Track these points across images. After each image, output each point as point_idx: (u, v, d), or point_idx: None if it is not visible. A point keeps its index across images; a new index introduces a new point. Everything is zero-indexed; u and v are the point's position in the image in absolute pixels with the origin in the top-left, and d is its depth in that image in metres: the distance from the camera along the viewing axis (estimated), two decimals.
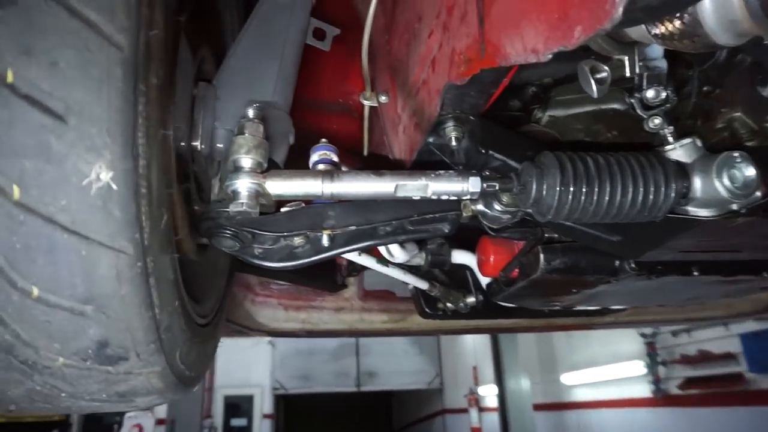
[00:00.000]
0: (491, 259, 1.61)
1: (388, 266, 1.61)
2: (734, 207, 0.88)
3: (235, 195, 0.93)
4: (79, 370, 0.77)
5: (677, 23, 0.68)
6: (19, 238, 0.66)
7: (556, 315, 2.34)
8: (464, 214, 1.14)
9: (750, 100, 1.06)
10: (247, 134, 0.95)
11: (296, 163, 1.15)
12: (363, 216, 1.13)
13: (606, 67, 0.88)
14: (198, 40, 1.21)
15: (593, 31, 0.58)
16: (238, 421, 12.24)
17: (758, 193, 0.84)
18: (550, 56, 0.69)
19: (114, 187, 0.67)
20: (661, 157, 0.94)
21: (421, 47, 1.22)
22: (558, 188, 0.90)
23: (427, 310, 2.12)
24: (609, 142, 1.23)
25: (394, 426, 17.86)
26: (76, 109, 0.64)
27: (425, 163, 1.27)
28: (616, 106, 1.20)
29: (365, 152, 1.68)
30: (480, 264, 1.69)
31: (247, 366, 12.39)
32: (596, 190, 0.90)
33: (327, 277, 2.37)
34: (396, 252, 1.52)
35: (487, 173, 1.04)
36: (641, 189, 0.91)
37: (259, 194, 0.94)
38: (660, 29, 0.71)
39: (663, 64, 0.91)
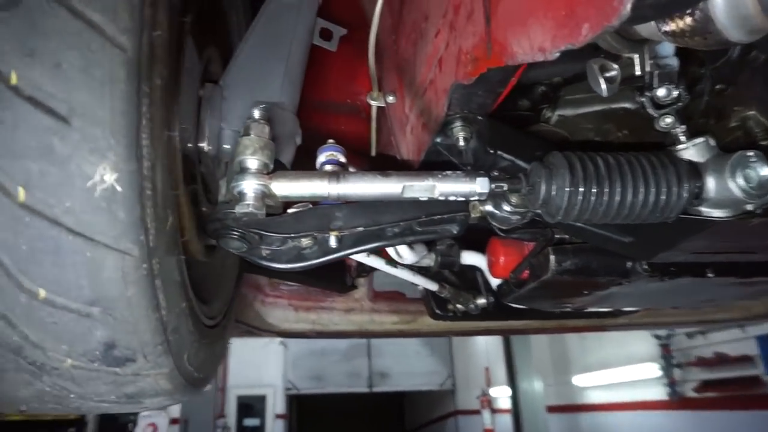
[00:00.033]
0: (501, 260, 1.59)
1: (396, 267, 1.61)
2: (749, 207, 0.86)
3: (241, 196, 0.93)
4: (87, 371, 0.77)
5: (688, 20, 0.66)
6: (25, 240, 0.66)
7: (568, 316, 2.32)
8: (473, 215, 1.13)
9: (764, 98, 1.03)
10: (252, 135, 0.94)
11: (304, 164, 1.15)
12: (370, 217, 1.12)
13: (615, 66, 0.86)
14: (204, 41, 1.21)
15: (601, 29, 0.57)
16: (251, 421, 12.29)
17: None
18: (558, 55, 0.68)
19: (118, 188, 0.67)
20: (673, 156, 0.93)
21: (428, 47, 1.21)
22: (567, 189, 0.89)
23: (437, 311, 2.11)
24: (619, 142, 1.22)
25: (406, 427, 17.82)
26: (79, 111, 0.65)
27: (433, 164, 1.26)
28: (626, 105, 1.18)
29: (373, 153, 1.67)
30: (490, 265, 1.67)
31: (259, 366, 12.44)
32: (606, 190, 0.89)
33: (336, 278, 2.37)
34: (405, 253, 1.51)
35: (496, 174, 1.03)
36: (653, 189, 0.89)
37: (265, 195, 0.94)
38: (670, 26, 0.70)
39: (674, 62, 0.90)
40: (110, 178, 0.66)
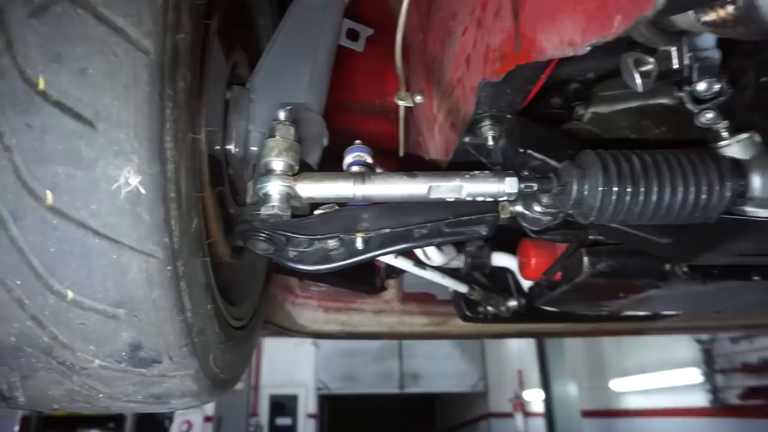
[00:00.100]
0: (532, 261, 1.56)
1: (425, 269, 1.59)
2: None
3: (266, 198, 0.92)
4: (114, 371, 0.78)
5: (729, 9, 0.63)
6: (54, 242, 0.67)
7: (604, 319, 2.26)
8: (502, 216, 1.10)
9: None
10: (278, 137, 0.94)
11: (332, 165, 1.14)
12: (397, 218, 1.11)
13: (651, 60, 0.83)
14: (231, 44, 1.22)
15: (634, 20, 0.54)
16: (283, 420, 12.42)
17: None
18: (588, 49, 0.65)
19: (142, 191, 0.67)
20: (715, 154, 0.88)
21: (456, 45, 1.19)
22: (600, 189, 0.86)
23: (467, 313, 2.08)
24: (657, 140, 1.17)
25: (437, 429, 17.72)
26: (104, 115, 0.65)
27: (462, 164, 1.23)
28: (664, 100, 1.14)
29: (401, 153, 1.66)
30: (521, 267, 1.64)
31: (291, 366, 12.57)
32: (642, 190, 0.85)
33: (366, 279, 2.36)
34: (433, 255, 1.49)
35: (526, 173, 1.00)
36: (692, 189, 0.85)
37: (290, 197, 0.94)
38: (710, 16, 0.66)
39: (715, 54, 0.85)
40: (134, 180, 0.66)
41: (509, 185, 0.95)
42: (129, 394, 0.82)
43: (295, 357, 12.55)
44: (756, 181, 0.83)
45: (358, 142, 1.14)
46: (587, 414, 9.26)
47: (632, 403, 8.16)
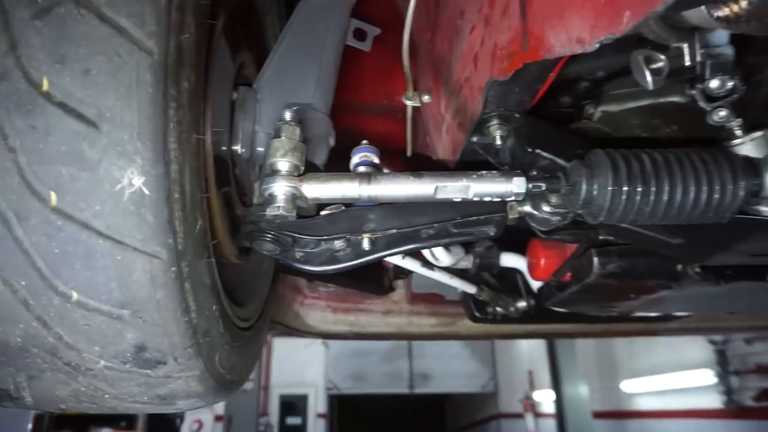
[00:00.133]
0: (542, 262, 1.54)
1: (433, 270, 1.58)
2: None
3: (271, 198, 0.92)
4: (119, 372, 0.78)
5: (743, 4, 0.61)
6: (58, 243, 0.67)
7: (615, 320, 2.23)
8: (510, 216, 1.09)
9: None
10: (283, 137, 0.94)
11: (339, 165, 1.14)
12: (404, 219, 1.10)
13: (662, 57, 0.81)
14: (238, 44, 1.21)
15: (643, 15, 0.53)
16: (293, 420, 12.45)
17: None
18: (597, 46, 0.64)
19: (146, 192, 0.67)
20: (728, 152, 0.87)
21: (463, 43, 1.18)
22: (610, 188, 0.84)
23: (476, 314, 2.07)
24: (668, 138, 1.15)
25: (447, 429, 17.68)
26: (107, 116, 0.65)
27: (470, 164, 1.22)
28: (675, 98, 1.12)
29: (408, 153, 1.65)
30: (530, 267, 1.63)
31: (301, 366, 12.60)
32: (653, 189, 0.84)
33: (374, 280, 2.36)
34: (441, 255, 1.48)
35: (534, 173, 0.98)
36: (705, 188, 0.83)
37: (295, 197, 0.93)
38: (723, 11, 0.64)
39: (728, 51, 0.83)
40: (138, 181, 0.66)
41: (517, 185, 0.94)
42: (134, 394, 0.82)
43: (305, 357, 12.58)
44: None
45: (365, 142, 1.14)
46: (598, 415, 9.19)
47: (644, 404, 8.08)
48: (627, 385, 8.45)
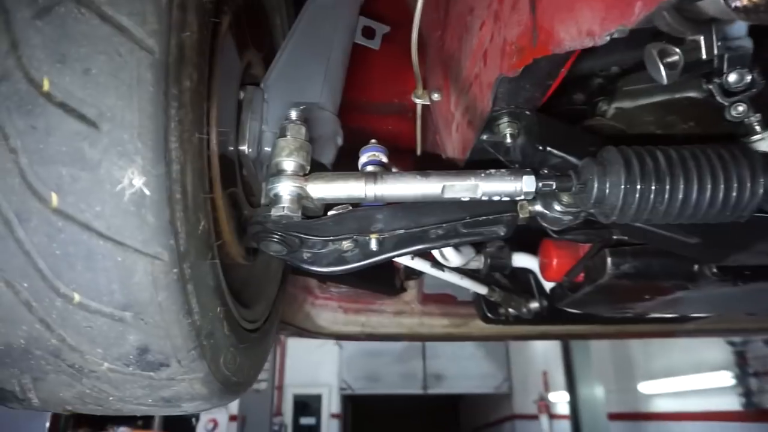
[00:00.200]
0: (554, 262, 1.52)
1: (443, 270, 1.56)
2: None
3: (276, 198, 0.91)
4: (123, 375, 0.77)
5: None
6: (59, 244, 0.67)
7: (631, 321, 2.20)
8: (521, 216, 1.07)
9: None
10: (289, 136, 0.93)
11: (349, 165, 1.13)
12: (412, 219, 1.08)
13: (677, 50, 0.78)
14: (245, 43, 1.21)
15: (655, 6, 0.51)
16: (307, 420, 12.48)
17: None
18: (608, 38, 0.62)
19: (147, 192, 0.66)
20: (747, 148, 0.84)
21: (473, 40, 1.16)
22: (623, 186, 0.82)
23: (488, 314, 2.05)
24: (685, 135, 1.12)
25: (461, 430, 17.61)
26: (108, 115, 0.64)
27: (480, 163, 1.20)
28: (692, 94, 1.09)
29: (418, 152, 1.63)
30: (542, 268, 1.60)
31: (315, 366, 12.63)
32: (668, 187, 0.81)
33: (385, 280, 2.34)
34: (450, 256, 1.46)
35: (544, 171, 0.96)
36: (722, 186, 0.81)
37: (301, 197, 0.92)
38: (742, 2, 0.62)
39: (747, 44, 0.80)
40: (138, 182, 0.65)
41: (526, 184, 0.92)
42: (138, 397, 0.81)
43: (319, 357, 12.61)
44: None
45: (373, 141, 1.12)
46: (614, 417, 9.08)
47: (661, 406, 7.97)
48: (644, 387, 8.34)
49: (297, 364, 12.29)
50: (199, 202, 0.76)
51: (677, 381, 7.42)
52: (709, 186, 0.81)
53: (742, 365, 6.32)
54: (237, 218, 1.12)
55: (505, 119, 1.06)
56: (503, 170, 0.95)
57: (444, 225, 1.09)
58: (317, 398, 12.71)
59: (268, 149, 1.13)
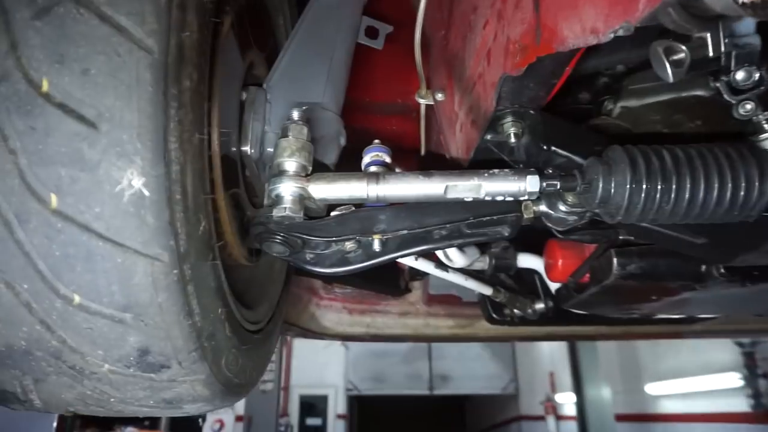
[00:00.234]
0: (559, 263, 1.50)
1: (447, 271, 1.55)
2: None
3: (278, 199, 0.90)
4: (124, 376, 0.77)
5: None
6: (59, 245, 0.66)
7: (638, 322, 2.18)
8: (525, 216, 1.06)
9: None
10: (290, 137, 0.92)
11: (353, 165, 1.12)
12: (415, 219, 1.07)
13: (683, 48, 0.77)
14: (247, 44, 1.20)
15: (659, 2, 0.50)
16: (313, 421, 12.49)
17: None
18: (612, 36, 0.61)
19: (146, 193, 0.66)
20: (755, 147, 0.82)
21: (477, 39, 1.15)
22: (628, 186, 0.81)
23: (494, 315, 2.03)
24: (692, 134, 1.11)
25: (468, 431, 17.57)
26: (107, 116, 0.64)
27: (484, 163, 1.19)
28: (699, 92, 1.07)
29: (422, 152, 1.63)
30: (547, 268, 1.59)
31: (321, 366, 12.64)
32: (674, 187, 0.80)
33: (390, 281, 2.34)
34: (455, 256, 1.45)
35: (549, 171, 0.95)
36: (729, 185, 0.80)
37: (303, 198, 0.92)
38: None
39: (755, 41, 0.79)
40: (138, 182, 0.65)
41: (530, 184, 0.91)
42: (140, 398, 0.81)
43: (325, 358, 12.62)
44: None
45: (376, 141, 1.12)
46: (621, 418, 9.03)
47: (669, 407, 7.92)
48: (651, 388, 8.29)
49: (303, 364, 12.31)
50: (200, 202, 0.75)
51: (685, 382, 7.37)
52: (716, 185, 0.79)
53: (750, 366, 6.27)
54: (239, 219, 1.12)
55: (509, 119, 1.05)
56: (507, 170, 0.94)
57: (447, 225, 1.08)
58: (323, 399, 12.72)
59: (270, 150, 1.13)
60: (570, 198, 0.98)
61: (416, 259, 1.43)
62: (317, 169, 0.98)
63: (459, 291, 2.52)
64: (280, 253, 1.06)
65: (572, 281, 1.46)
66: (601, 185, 0.84)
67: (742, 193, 0.78)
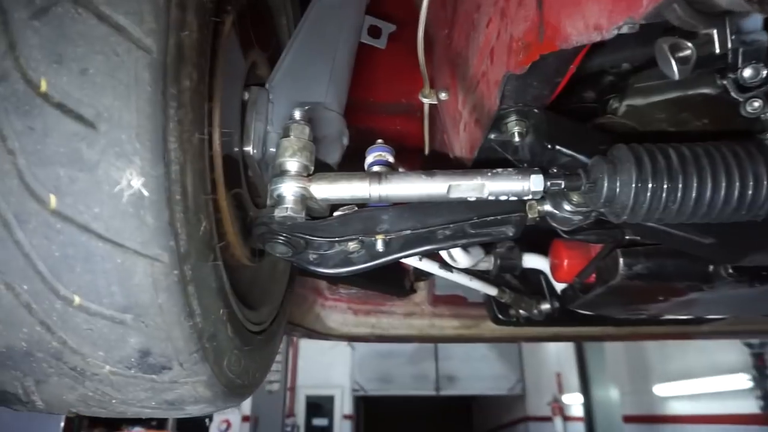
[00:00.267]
0: (565, 263, 1.49)
1: (452, 271, 1.54)
2: None
3: (279, 199, 0.90)
4: (125, 378, 0.76)
5: None
6: (58, 246, 0.66)
7: (645, 323, 2.16)
8: (530, 216, 1.05)
9: None
10: (292, 136, 0.92)
11: (356, 165, 1.12)
12: (419, 219, 1.07)
13: (689, 44, 0.76)
14: (250, 44, 1.20)
15: None
16: (319, 421, 12.50)
17: None
18: (616, 32, 0.60)
19: (145, 193, 0.65)
20: (763, 145, 0.81)
21: (480, 37, 1.14)
22: (633, 185, 0.80)
23: (499, 316, 2.02)
24: (699, 132, 1.09)
25: (474, 431, 17.52)
26: (105, 116, 0.64)
27: (488, 162, 1.19)
28: (705, 90, 1.06)
29: (426, 152, 1.62)
30: (553, 269, 1.58)
31: (327, 367, 12.65)
32: (680, 186, 0.79)
33: (395, 281, 2.33)
34: (459, 257, 1.44)
35: (553, 170, 0.94)
36: (737, 184, 0.78)
37: (305, 198, 0.91)
38: None
39: (763, 37, 0.78)
40: (137, 182, 0.65)
41: (534, 183, 0.90)
42: (142, 399, 0.81)
43: (331, 358, 12.62)
44: None
45: (379, 141, 1.11)
46: (629, 419, 8.97)
47: (677, 408, 7.86)
48: (659, 389, 8.24)
49: (309, 365, 12.32)
50: (200, 203, 0.75)
51: (693, 383, 7.31)
52: (723, 184, 0.78)
53: (760, 367, 6.21)
54: (242, 219, 1.12)
55: (512, 117, 1.04)
56: (510, 169, 0.93)
57: (451, 225, 1.07)
58: (330, 399, 12.72)
59: (273, 150, 1.12)
60: (575, 197, 0.97)
61: (420, 260, 1.42)
62: (320, 169, 0.98)
63: (464, 291, 2.51)
64: (282, 253, 1.06)
65: (578, 282, 1.45)
66: (606, 184, 0.83)
67: (750, 192, 0.77)
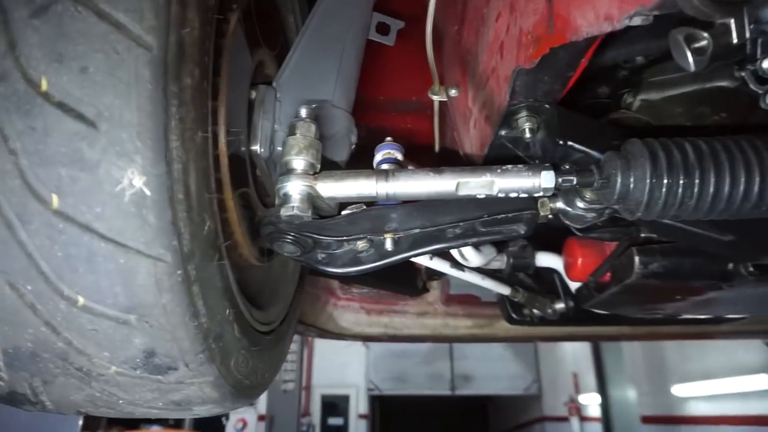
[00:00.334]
0: (579, 262, 1.47)
1: (463, 271, 1.52)
2: None
3: (286, 198, 0.89)
4: (131, 378, 0.76)
5: None
6: (61, 246, 0.66)
7: (662, 322, 2.12)
8: (542, 213, 1.03)
9: None
10: (298, 134, 0.91)
11: (365, 163, 1.10)
12: (428, 218, 1.05)
13: (705, 35, 0.73)
14: (257, 42, 1.19)
15: None
16: (334, 420, 12.53)
17: None
18: (627, 22, 0.58)
19: (147, 192, 0.65)
20: None
21: (489, 32, 1.12)
22: (648, 181, 0.77)
23: (513, 315, 2.00)
24: (717, 126, 1.06)
25: (490, 431, 17.43)
26: (106, 115, 0.63)
27: (499, 159, 1.16)
28: (723, 83, 1.03)
29: (436, 149, 1.60)
30: (567, 267, 1.55)
31: (342, 366, 12.67)
32: (697, 181, 0.76)
33: (407, 280, 2.31)
34: (470, 255, 1.42)
35: (565, 167, 0.92)
36: (757, 179, 0.75)
37: (311, 197, 0.90)
38: None
39: None
40: (139, 182, 0.64)
41: (545, 179, 0.88)
42: (148, 400, 0.80)
43: (346, 358, 12.64)
44: None
45: (388, 139, 1.10)
46: (647, 420, 8.85)
47: (696, 409, 7.73)
48: (678, 389, 8.11)
49: (324, 364, 12.35)
50: (204, 202, 0.74)
51: (713, 384, 7.18)
52: (742, 179, 0.75)
53: None
54: (250, 219, 1.11)
55: (523, 113, 1.02)
56: (520, 166, 0.91)
57: (461, 224, 1.05)
58: (345, 399, 12.74)
59: (281, 149, 1.11)
60: (588, 194, 0.95)
61: (431, 259, 1.40)
62: (328, 167, 0.97)
63: (478, 291, 2.48)
64: (290, 252, 1.05)
65: (593, 280, 1.42)
66: (619, 180, 0.80)
67: None
